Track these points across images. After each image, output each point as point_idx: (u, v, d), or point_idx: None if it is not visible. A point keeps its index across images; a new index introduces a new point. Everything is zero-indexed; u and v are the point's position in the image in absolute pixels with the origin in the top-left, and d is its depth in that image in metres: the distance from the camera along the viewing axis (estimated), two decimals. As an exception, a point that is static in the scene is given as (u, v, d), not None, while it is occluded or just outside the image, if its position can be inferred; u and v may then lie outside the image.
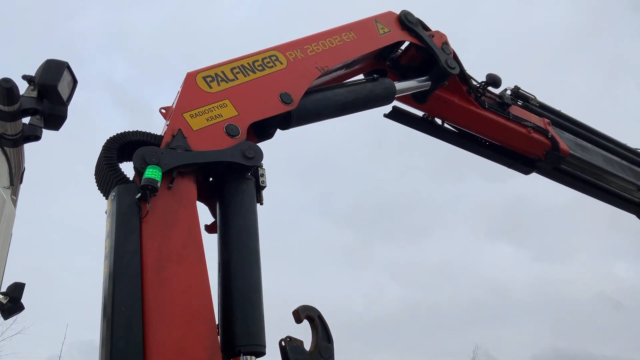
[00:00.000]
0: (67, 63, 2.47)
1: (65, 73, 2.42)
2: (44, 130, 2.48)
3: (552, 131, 5.41)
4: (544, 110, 5.53)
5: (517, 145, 5.33)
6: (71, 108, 2.55)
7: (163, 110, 3.36)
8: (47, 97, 2.39)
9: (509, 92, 5.29)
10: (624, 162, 5.97)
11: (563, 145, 5.39)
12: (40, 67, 2.45)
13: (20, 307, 2.71)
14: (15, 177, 2.34)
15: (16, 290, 2.68)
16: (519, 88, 5.28)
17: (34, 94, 2.38)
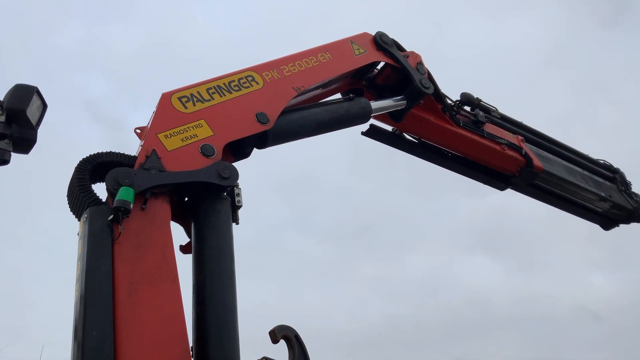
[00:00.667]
0: (36, 88, 2.47)
1: (35, 97, 2.42)
2: (12, 154, 2.46)
3: (526, 148, 5.52)
4: (504, 121, 5.56)
5: (492, 162, 5.42)
6: (47, 125, 2.54)
7: (138, 131, 3.35)
8: (16, 121, 2.38)
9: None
10: (585, 172, 6.05)
11: (537, 161, 5.51)
12: (8, 91, 2.45)
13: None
14: None
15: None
16: (480, 100, 5.33)
17: (2, 118, 2.38)
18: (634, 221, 6.29)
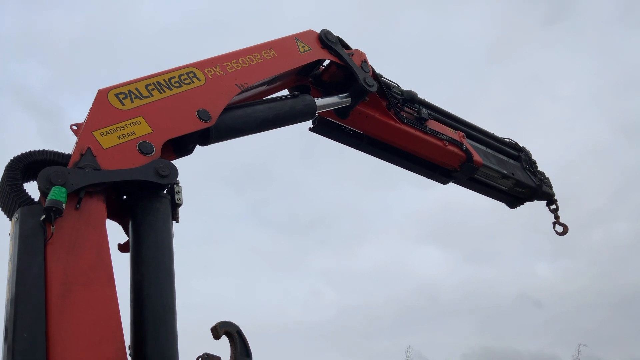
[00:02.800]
0: None
1: None
2: None
3: (467, 144, 5.73)
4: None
5: (434, 157, 5.60)
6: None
7: (74, 127, 3.27)
8: None
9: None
10: (488, 150, 6.07)
11: (477, 156, 5.73)
12: None
13: None
14: None
15: None
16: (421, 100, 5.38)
17: None
18: (537, 199, 6.34)
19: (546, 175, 6.49)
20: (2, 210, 2.84)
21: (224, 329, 3.20)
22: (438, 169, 5.80)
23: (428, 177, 5.90)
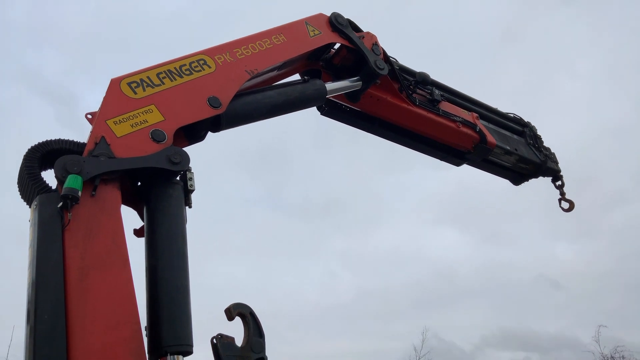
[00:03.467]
0: None
1: None
2: None
3: (480, 125, 5.68)
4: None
5: (447, 139, 5.57)
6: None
7: (89, 116, 3.35)
8: None
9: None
10: (491, 126, 5.95)
11: (490, 138, 5.69)
12: None
13: None
14: None
15: None
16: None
17: None
18: (542, 175, 6.19)
19: (552, 150, 6.32)
20: (22, 197, 2.95)
21: (237, 311, 3.30)
22: (451, 150, 5.78)
23: (441, 159, 5.89)
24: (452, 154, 5.80)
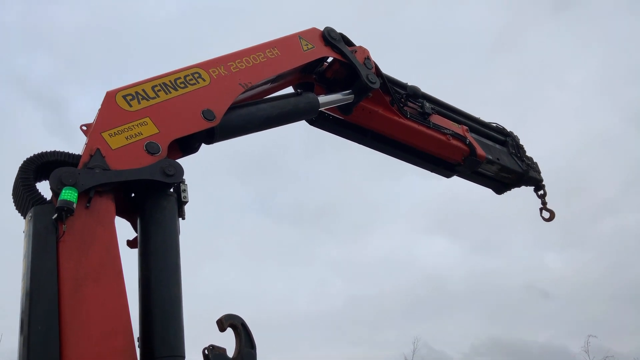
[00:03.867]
0: None
1: None
2: None
3: (470, 138, 5.78)
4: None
5: (438, 152, 5.66)
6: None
7: (84, 128, 3.39)
8: None
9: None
10: (473, 135, 5.95)
11: (480, 150, 5.78)
12: None
13: None
14: None
15: None
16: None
17: None
18: (524, 184, 6.22)
19: (534, 160, 6.38)
20: (16, 208, 2.98)
21: (229, 322, 3.32)
22: (441, 162, 5.86)
23: (432, 171, 5.97)
24: (442, 165, 5.88)
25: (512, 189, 6.32)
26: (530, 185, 6.29)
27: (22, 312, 2.62)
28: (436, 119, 5.55)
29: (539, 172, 6.33)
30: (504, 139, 6.24)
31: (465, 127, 5.82)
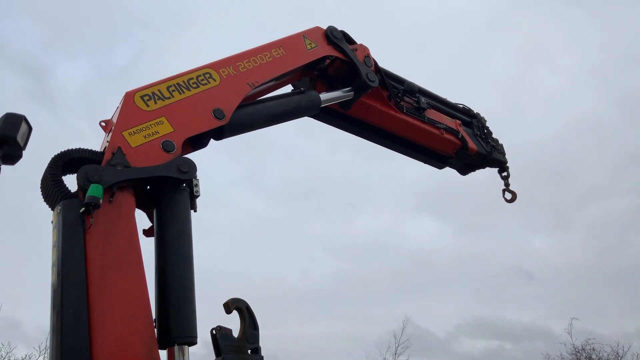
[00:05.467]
0: (24, 116, 2.90)
1: (23, 124, 2.79)
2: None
3: (462, 132, 6.07)
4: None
5: (431, 145, 5.94)
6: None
7: (103, 124, 3.65)
8: (8, 144, 2.78)
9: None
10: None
11: (471, 144, 6.07)
12: (0, 119, 2.79)
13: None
14: None
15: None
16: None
17: None
18: (488, 165, 6.33)
19: (500, 142, 6.47)
20: (45, 201, 3.26)
21: (235, 305, 3.65)
22: (434, 154, 6.16)
23: (424, 163, 6.27)
24: (435, 157, 6.18)
25: (476, 170, 6.45)
26: (495, 166, 6.43)
27: (54, 298, 2.92)
28: (431, 114, 5.82)
29: (503, 153, 6.45)
30: (470, 120, 6.32)
31: (459, 122, 6.10)
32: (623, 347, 23.25)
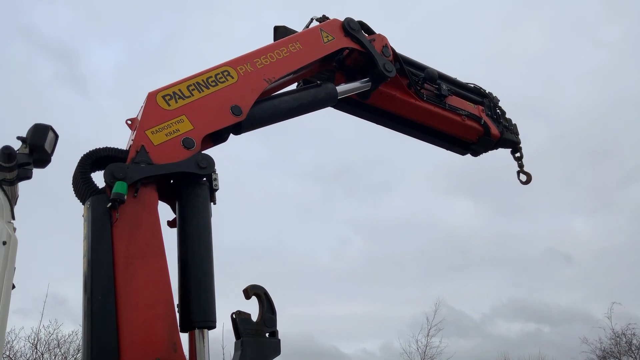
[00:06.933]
0: (50, 126, 3.20)
1: (50, 133, 3.08)
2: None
3: (485, 118, 6.05)
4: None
5: (453, 132, 5.96)
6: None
7: (129, 122, 3.90)
8: (37, 152, 3.09)
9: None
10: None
11: (494, 130, 6.05)
12: (29, 130, 3.12)
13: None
14: (13, 209, 2.96)
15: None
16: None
17: (26, 150, 3.11)
18: (500, 146, 6.19)
19: (513, 122, 6.32)
20: (76, 196, 3.55)
21: (254, 291, 3.88)
22: (457, 141, 6.17)
23: (447, 149, 6.30)
24: (458, 144, 6.20)
25: (489, 152, 6.31)
26: (507, 147, 6.31)
27: (85, 285, 3.22)
28: (453, 100, 5.82)
29: (517, 134, 6.31)
30: (481, 100, 6.18)
31: (481, 108, 6.07)
32: (665, 332, 22.50)
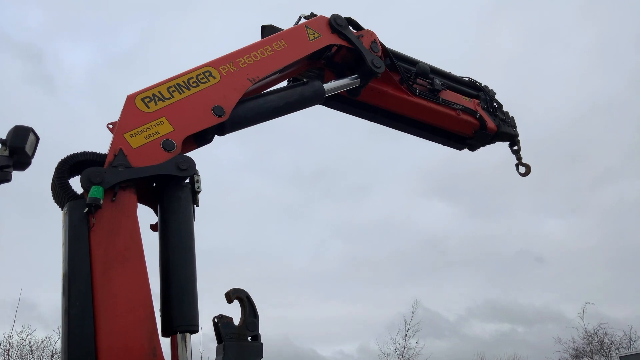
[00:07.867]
0: (31, 128, 3.21)
1: (31, 135, 3.07)
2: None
3: (481, 111, 5.94)
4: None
5: (448, 126, 5.86)
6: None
7: (110, 126, 3.86)
8: (17, 154, 3.10)
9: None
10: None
11: (490, 123, 5.94)
12: (10, 131, 3.15)
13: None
14: None
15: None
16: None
17: (6, 153, 3.12)
18: (497, 139, 6.12)
19: (510, 115, 6.24)
20: (55, 202, 3.53)
21: (236, 295, 3.84)
22: (452, 136, 6.07)
23: (443, 144, 6.20)
24: (453, 139, 6.10)
25: (486, 145, 6.24)
26: (504, 140, 6.22)
27: (63, 290, 3.20)
28: (447, 95, 5.72)
29: (514, 126, 6.23)
30: (477, 93, 6.09)
31: (477, 101, 5.96)
32: (636, 331, 22.68)
